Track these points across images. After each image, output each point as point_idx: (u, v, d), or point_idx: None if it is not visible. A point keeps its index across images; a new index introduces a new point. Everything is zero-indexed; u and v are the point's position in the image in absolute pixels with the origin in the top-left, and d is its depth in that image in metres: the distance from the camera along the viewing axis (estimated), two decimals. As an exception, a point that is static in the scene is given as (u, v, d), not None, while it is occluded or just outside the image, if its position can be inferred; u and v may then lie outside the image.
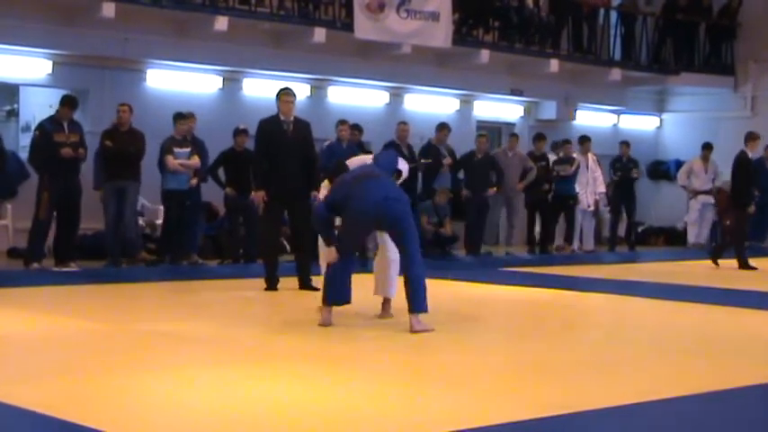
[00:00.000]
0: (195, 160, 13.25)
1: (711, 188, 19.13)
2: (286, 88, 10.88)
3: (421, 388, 6.13)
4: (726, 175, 19.15)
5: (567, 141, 17.49)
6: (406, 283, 8.11)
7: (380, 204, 8.04)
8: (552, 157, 17.28)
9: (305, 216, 10.23)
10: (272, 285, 10.67)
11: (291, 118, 10.68)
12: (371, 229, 8.65)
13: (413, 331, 7.95)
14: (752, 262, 14.89)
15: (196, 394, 5.82)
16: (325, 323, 8.14)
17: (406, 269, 8.20)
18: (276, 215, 10.82)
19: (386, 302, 8.79)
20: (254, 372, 6.51)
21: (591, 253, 17.38)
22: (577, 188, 17.34)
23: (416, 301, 8.06)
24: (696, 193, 19.12)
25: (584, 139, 17.68)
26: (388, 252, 8.59)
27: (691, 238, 19.42)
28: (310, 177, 10.56)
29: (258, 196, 10.62)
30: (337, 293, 8.27)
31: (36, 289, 9.94)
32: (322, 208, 8.36)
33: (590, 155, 17.60)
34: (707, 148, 19.02)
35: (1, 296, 9.74)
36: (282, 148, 10.54)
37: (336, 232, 8.31)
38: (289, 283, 10.65)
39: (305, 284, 10.60)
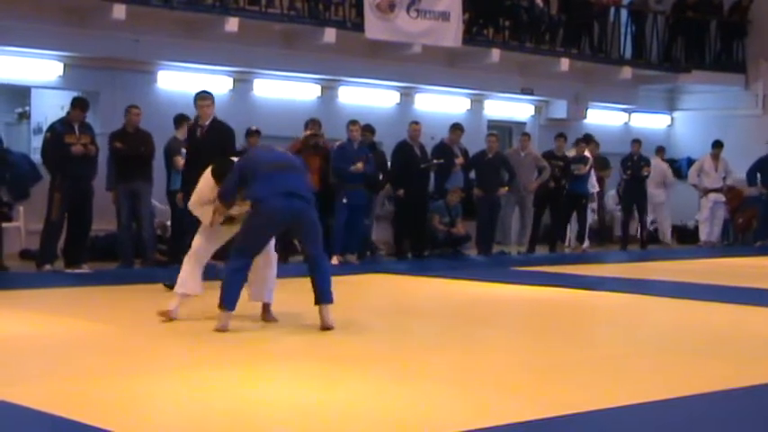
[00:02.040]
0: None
1: (722, 186, 19.08)
2: (203, 92, 10.79)
3: (432, 388, 6.12)
4: (737, 173, 19.19)
5: (583, 140, 17.46)
6: (319, 276, 8.01)
7: (294, 201, 7.95)
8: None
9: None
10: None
11: (207, 122, 10.56)
12: (280, 230, 8.39)
13: (326, 327, 7.91)
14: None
15: (205, 395, 5.82)
16: (224, 328, 7.82)
17: (315, 264, 8.07)
18: (187, 217, 10.25)
19: (266, 306, 8.47)
20: (264, 372, 6.51)
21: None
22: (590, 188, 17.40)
23: (328, 293, 8.02)
24: (707, 191, 19.08)
25: (583, 140, 17.79)
26: (269, 253, 8.40)
27: (702, 236, 19.37)
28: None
29: (178, 198, 10.79)
30: (236, 297, 7.96)
31: (48, 291, 9.96)
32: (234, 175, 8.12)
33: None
34: (717, 146, 18.98)
35: (13, 298, 9.77)
36: (194, 151, 10.49)
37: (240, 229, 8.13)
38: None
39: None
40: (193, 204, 8.55)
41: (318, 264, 8.06)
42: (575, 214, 17.26)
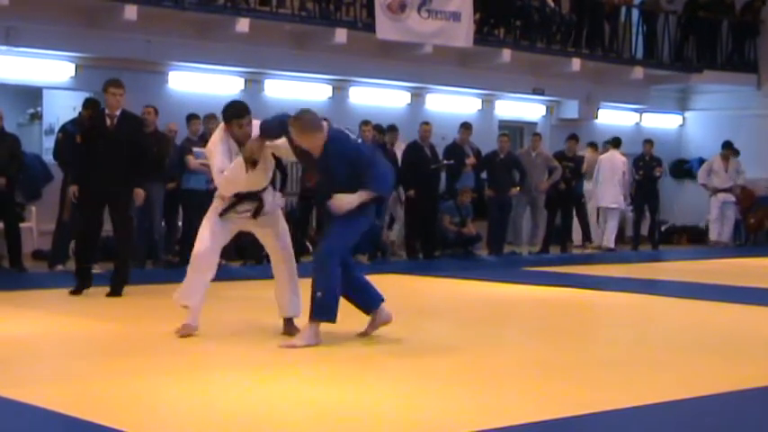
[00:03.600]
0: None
1: (732, 186, 19.03)
2: (113, 80, 10.17)
3: (444, 388, 6.12)
4: (750, 173, 19.16)
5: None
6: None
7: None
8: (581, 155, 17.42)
9: (122, 218, 9.97)
10: (81, 288, 9.98)
11: (117, 112, 9.97)
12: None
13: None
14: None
15: (217, 396, 5.82)
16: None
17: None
18: (92, 213, 10.04)
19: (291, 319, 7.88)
20: (277, 373, 6.51)
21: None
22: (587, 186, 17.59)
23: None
24: (716, 191, 19.05)
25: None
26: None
27: (712, 236, 19.34)
28: (135, 175, 10.01)
29: (69, 192, 10.39)
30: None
31: (60, 291, 9.97)
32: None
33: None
34: (727, 146, 18.96)
35: (25, 298, 9.79)
36: (101, 143, 9.88)
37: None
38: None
39: (116, 292, 9.95)
40: (217, 175, 7.56)
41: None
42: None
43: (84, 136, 10.18)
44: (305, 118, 7.27)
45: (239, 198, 7.61)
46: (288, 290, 7.75)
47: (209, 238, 7.59)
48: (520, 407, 5.64)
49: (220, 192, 7.66)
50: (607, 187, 17.64)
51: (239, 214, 7.67)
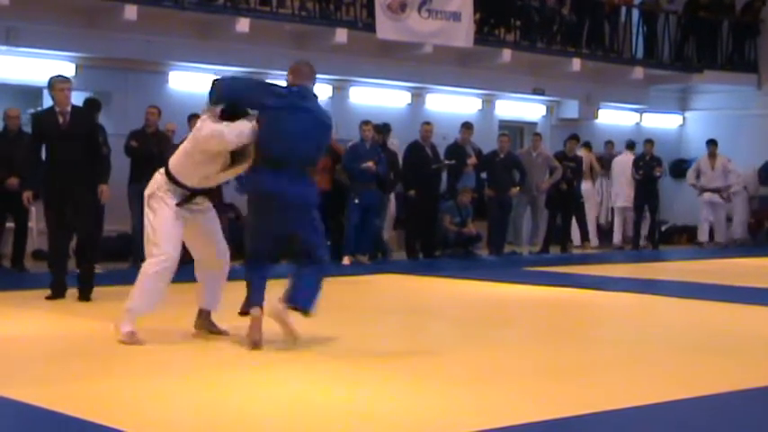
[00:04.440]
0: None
1: (722, 186, 18.93)
2: (59, 75, 9.75)
3: (444, 387, 6.12)
4: (747, 172, 19.17)
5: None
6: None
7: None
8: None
9: (84, 217, 9.62)
10: (57, 293, 9.63)
11: (68, 108, 9.51)
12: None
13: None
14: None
15: (220, 395, 5.83)
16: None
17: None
18: (57, 215, 9.63)
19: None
20: (278, 372, 6.51)
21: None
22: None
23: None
24: (703, 190, 19.02)
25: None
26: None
27: (700, 236, 19.24)
28: (93, 172, 9.60)
29: (24, 198, 9.87)
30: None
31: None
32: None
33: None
34: (712, 144, 18.95)
35: (25, 298, 9.78)
36: (57, 143, 9.45)
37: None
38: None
39: (85, 296, 9.66)
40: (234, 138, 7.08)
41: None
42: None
43: (37, 136, 9.69)
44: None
45: (193, 192, 7.33)
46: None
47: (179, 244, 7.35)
48: (520, 407, 5.64)
49: (233, 141, 7.06)
50: (622, 187, 18.17)
51: (192, 208, 7.37)
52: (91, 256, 9.89)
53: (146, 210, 7.35)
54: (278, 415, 5.43)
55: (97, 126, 10.04)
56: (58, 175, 9.44)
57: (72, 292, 9.69)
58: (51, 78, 9.65)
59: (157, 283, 7.25)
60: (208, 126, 7.10)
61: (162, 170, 7.41)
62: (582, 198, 17.53)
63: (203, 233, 7.50)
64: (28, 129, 13.18)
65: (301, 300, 7.13)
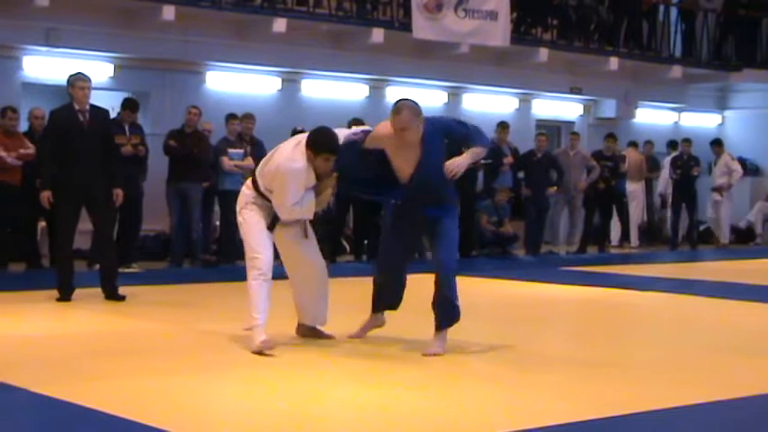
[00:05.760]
0: (249, 161, 13.35)
1: (723, 184, 18.74)
2: (79, 73, 9.75)
3: (479, 387, 6.11)
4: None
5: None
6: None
7: None
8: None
9: (106, 217, 9.70)
10: (65, 295, 9.53)
11: (87, 107, 9.54)
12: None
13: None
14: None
15: (260, 393, 5.85)
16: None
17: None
18: (72, 217, 9.63)
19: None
20: (313, 371, 6.52)
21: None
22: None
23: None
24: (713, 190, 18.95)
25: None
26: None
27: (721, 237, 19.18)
28: (111, 172, 9.65)
29: (43, 197, 9.58)
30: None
31: (98, 290, 10.02)
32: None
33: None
34: (716, 144, 18.82)
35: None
36: (77, 141, 9.43)
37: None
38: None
39: (111, 294, 9.60)
40: (289, 206, 6.96)
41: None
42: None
43: (56, 133, 9.61)
44: (410, 103, 7.05)
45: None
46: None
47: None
48: (558, 406, 5.62)
49: (282, 217, 7.08)
50: None
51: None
52: (111, 254, 9.86)
53: (239, 221, 7.24)
54: (314, 412, 5.44)
55: (110, 125, 10.01)
56: (77, 172, 9.43)
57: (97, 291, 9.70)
58: (71, 76, 9.64)
59: (261, 292, 7.02)
60: (286, 181, 6.90)
61: (249, 182, 7.28)
62: (625, 198, 17.41)
63: (295, 243, 7.33)
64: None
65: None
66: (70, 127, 9.47)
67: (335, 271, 10.57)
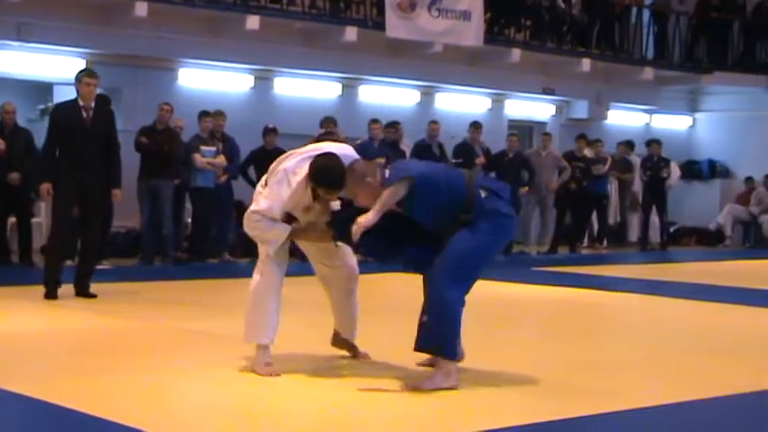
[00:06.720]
0: (221, 159, 13.33)
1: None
2: (87, 69, 9.89)
3: (459, 386, 6.12)
4: (758, 175, 19.13)
5: (599, 140, 17.53)
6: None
7: None
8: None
9: (97, 216, 9.63)
10: (52, 292, 9.47)
11: (92, 103, 9.55)
12: None
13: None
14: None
15: (230, 394, 5.83)
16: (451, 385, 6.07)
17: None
18: (67, 210, 9.54)
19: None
20: (293, 370, 6.50)
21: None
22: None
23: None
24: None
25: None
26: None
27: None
28: (112, 170, 9.70)
29: (43, 190, 9.55)
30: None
31: (68, 286, 9.96)
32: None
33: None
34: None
35: (35, 293, 9.79)
36: (80, 137, 9.40)
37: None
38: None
39: (82, 291, 9.57)
40: (269, 217, 6.38)
41: None
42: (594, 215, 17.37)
43: (58, 129, 9.51)
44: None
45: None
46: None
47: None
48: (530, 406, 5.63)
49: (244, 223, 6.62)
50: None
51: None
52: (93, 253, 9.89)
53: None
54: (293, 412, 5.43)
55: (113, 121, 10.01)
56: (77, 169, 9.40)
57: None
58: (79, 72, 9.66)
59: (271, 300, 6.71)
60: (279, 179, 6.32)
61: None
62: (606, 199, 17.51)
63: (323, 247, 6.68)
64: (23, 124, 13.27)
65: None
66: (74, 123, 9.45)
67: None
